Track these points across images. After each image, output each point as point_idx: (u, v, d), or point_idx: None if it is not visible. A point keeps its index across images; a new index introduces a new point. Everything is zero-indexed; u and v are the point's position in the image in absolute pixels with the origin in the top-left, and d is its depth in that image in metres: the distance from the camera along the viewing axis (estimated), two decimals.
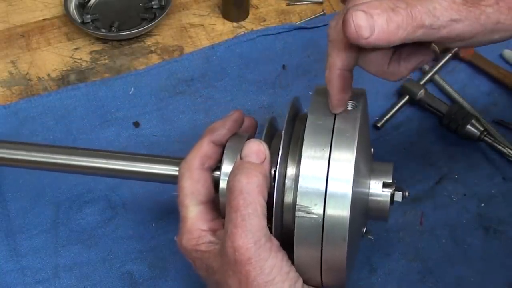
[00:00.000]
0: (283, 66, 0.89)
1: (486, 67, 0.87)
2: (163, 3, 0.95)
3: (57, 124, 0.83)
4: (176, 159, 0.63)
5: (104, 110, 0.84)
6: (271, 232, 0.55)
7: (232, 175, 0.54)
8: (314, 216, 0.53)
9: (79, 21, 0.93)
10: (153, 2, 0.95)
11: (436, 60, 0.88)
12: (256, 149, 0.55)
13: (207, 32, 0.93)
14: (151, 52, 0.91)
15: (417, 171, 0.78)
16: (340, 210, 0.53)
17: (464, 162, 0.79)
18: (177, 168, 0.61)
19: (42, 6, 0.96)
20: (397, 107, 0.83)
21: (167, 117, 0.84)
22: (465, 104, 0.84)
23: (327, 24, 0.92)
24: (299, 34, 0.92)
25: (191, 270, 0.71)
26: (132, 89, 0.86)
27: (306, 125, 0.55)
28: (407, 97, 0.83)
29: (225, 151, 0.61)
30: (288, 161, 0.56)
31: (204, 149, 0.60)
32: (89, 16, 0.93)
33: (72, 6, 0.94)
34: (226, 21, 0.95)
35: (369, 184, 0.59)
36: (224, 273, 0.54)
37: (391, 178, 0.60)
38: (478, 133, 0.79)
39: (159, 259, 0.73)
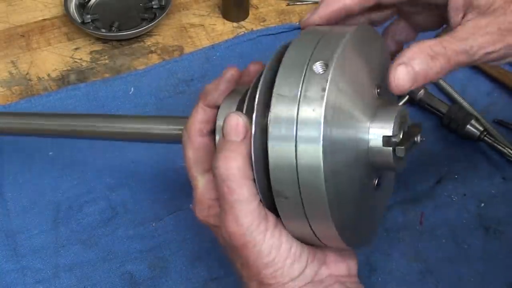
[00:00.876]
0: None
1: (486, 67, 0.87)
2: (163, 3, 0.95)
3: None
4: (181, 118, 0.62)
5: (104, 110, 0.84)
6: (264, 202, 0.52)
7: (214, 160, 0.52)
8: (291, 198, 0.50)
9: (79, 21, 0.93)
10: (153, 2, 0.95)
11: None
12: (234, 124, 0.52)
13: (207, 32, 0.93)
14: (151, 52, 0.91)
15: (417, 171, 0.78)
16: (315, 186, 0.48)
17: (464, 162, 0.79)
18: (181, 127, 0.60)
19: (42, 6, 0.96)
20: None
21: None
22: (465, 104, 0.84)
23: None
24: (299, 34, 0.92)
25: (191, 270, 0.72)
26: (132, 89, 0.86)
27: (273, 91, 0.50)
28: (407, 97, 0.83)
29: (218, 112, 0.58)
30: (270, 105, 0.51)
31: (200, 114, 0.58)
32: (89, 16, 0.93)
33: (72, 6, 0.94)
34: (226, 21, 0.95)
35: (368, 127, 0.53)
36: (230, 253, 0.54)
37: (391, 128, 0.53)
38: (478, 133, 0.79)
39: (159, 259, 0.73)
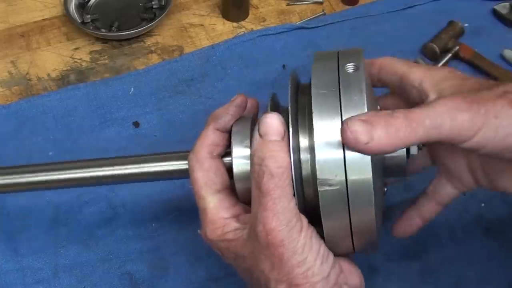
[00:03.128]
0: (283, 66, 0.89)
1: (486, 67, 0.87)
2: (163, 3, 0.95)
3: (57, 124, 0.83)
4: (183, 152, 0.63)
5: (104, 110, 0.84)
6: None
7: (258, 158, 0.53)
8: (336, 187, 0.52)
9: (79, 21, 0.93)
10: (153, 2, 0.95)
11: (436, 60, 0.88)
12: (276, 124, 0.53)
13: (207, 32, 0.93)
14: (151, 52, 0.91)
15: None
16: (362, 174, 0.51)
17: None
18: (186, 162, 0.61)
19: (42, 6, 0.96)
20: None
21: (167, 117, 0.84)
22: None
23: (327, 24, 0.93)
24: (299, 34, 0.92)
25: (191, 270, 0.72)
26: (132, 89, 0.86)
27: (312, 95, 0.53)
28: None
29: (232, 136, 0.59)
30: (300, 133, 0.55)
31: (210, 137, 0.59)
32: (89, 16, 0.93)
33: (72, 6, 0.94)
34: (226, 21, 0.95)
35: None
36: (255, 258, 0.54)
37: None
38: None
39: (159, 259, 0.73)
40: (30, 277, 0.71)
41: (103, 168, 0.65)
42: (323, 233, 0.54)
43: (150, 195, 0.77)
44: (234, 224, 0.57)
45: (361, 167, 0.51)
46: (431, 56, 0.89)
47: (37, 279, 0.71)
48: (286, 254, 0.52)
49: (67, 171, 0.65)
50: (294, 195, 0.53)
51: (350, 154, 0.51)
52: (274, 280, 0.53)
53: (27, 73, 0.89)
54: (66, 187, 0.67)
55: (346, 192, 0.52)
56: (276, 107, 0.60)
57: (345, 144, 0.51)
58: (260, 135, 0.54)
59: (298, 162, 0.54)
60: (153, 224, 0.75)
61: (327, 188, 0.52)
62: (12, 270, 0.72)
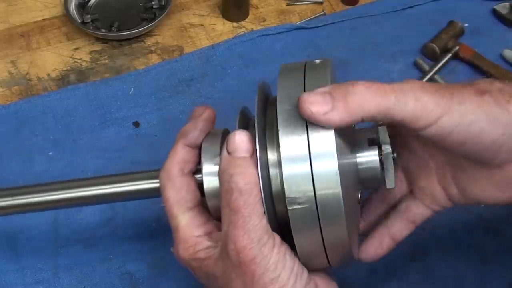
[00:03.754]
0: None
1: (486, 67, 0.87)
2: (163, 3, 0.95)
3: (57, 124, 0.83)
4: (154, 171, 0.62)
5: (104, 110, 0.84)
6: None
7: (226, 175, 0.53)
8: (306, 205, 0.51)
9: (79, 21, 0.93)
10: (153, 2, 0.95)
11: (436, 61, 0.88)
12: (242, 140, 0.53)
13: (207, 32, 0.93)
14: (151, 52, 0.91)
15: None
16: (331, 188, 0.51)
17: None
18: (157, 180, 0.60)
19: (42, 6, 0.96)
20: None
21: (167, 117, 0.84)
22: None
23: (327, 24, 0.93)
24: (299, 34, 0.92)
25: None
26: (132, 89, 0.86)
27: (277, 110, 0.53)
28: None
29: (202, 153, 0.59)
30: (268, 149, 0.54)
31: (180, 154, 0.58)
32: (89, 16, 0.93)
33: (72, 6, 0.94)
34: (226, 21, 0.95)
35: (356, 152, 0.57)
36: (227, 278, 0.53)
37: (376, 143, 0.57)
38: None
39: (159, 259, 0.73)
40: (30, 277, 0.71)
41: (71, 190, 0.63)
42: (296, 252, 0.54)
43: None
44: (205, 243, 0.56)
45: (329, 180, 0.51)
46: (431, 56, 0.89)
47: (37, 279, 0.71)
48: (258, 272, 0.51)
49: (27, 196, 0.64)
50: (264, 212, 0.53)
51: (317, 168, 0.51)
52: None
53: (27, 73, 0.89)
54: (27, 211, 0.65)
55: (316, 209, 0.51)
56: (245, 121, 0.59)
57: (306, 118, 0.50)
58: (228, 152, 0.53)
59: (267, 178, 0.54)
60: (153, 224, 0.75)
61: (297, 206, 0.52)
62: (12, 270, 0.72)
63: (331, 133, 0.51)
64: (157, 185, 0.60)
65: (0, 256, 0.72)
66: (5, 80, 0.88)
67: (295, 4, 0.97)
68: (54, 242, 0.74)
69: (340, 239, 0.53)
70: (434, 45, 0.88)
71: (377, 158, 0.56)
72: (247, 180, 0.52)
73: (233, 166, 0.53)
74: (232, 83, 0.87)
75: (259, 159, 0.53)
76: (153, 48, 0.92)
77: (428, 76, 0.86)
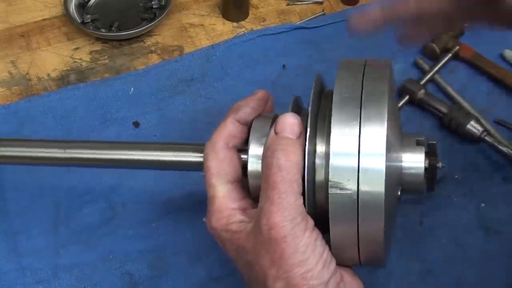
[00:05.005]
0: (283, 66, 0.89)
1: (486, 67, 0.87)
2: (163, 3, 0.95)
3: (57, 124, 0.83)
4: (200, 145, 0.62)
5: (104, 110, 0.84)
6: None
7: (269, 151, 0.54)
8: (348, 191, 0.51)
9: (79, 21, 0.93)
10: (153, 2, 0.95)
11: (436, 60, 0.88)
12: (291, 123, 0.54)
13: (207, 32, 0.93)
14: (151, 52, 0.91)
15: None
16: (375, 186, 0.51)
17: (464, 162, 0.79)
18: (200, 154, 0.61)
19: (42, 6, 0.96)
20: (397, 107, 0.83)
21: (167, 117, 0.84)
22: (465, 104, 0.84)
23: (327, 24, 0.93)
24: (299, 34, 0.92)
25: (191, 270, 0.72)
26: (132, 89, 0.86)
27: (333, 100, 0.53)
28: (407, 97, 0.83)
29: (251, 133, 0.59)
30: (317, 138, 0.55)
31: (228, 128, 0.59)
32: (89, 16, 0.93)
33: (72, 6, 0.94)
34: (226, 21, 0.95)
35: (401, 156, 0.58)
36: (256, 252, 0.53)
37: (423, 150, 0.58)
38: (478, 133, 0.79)
39: (159, 259, 0.73)
40: (30, 277, 0.71)
41: (118, 151, 0.65)
42: (330, 241, 0.54)
43: (150, 195, 0.77)
44: (239, 216, 0.56)
45: (375, 179, 0.51)
46: (431, 56, 0.89)
47: (37, 279, 0.71)
48: (287, 251, 0.51)
49: (83, 150, 0.65)
50: (304, 194, 0.53)
51: (365, 164, 0.51)
52: (272, 277, 0.52)
53: (27, 73, 0.89)
54: (77, 165, 0.68)
55: (357, 200, 0.52)
56: (297, 109, 0.59)
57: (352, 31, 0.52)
58: (275, 132, 0.54)
59: (312, 166, 0.54)
60: (153, 224, 0.75)
61: (338, 191, 0.52)
62: (12, 270, 0.72)
63: (383, 130, 0.52)
64: (201, 159, 0.60)
65: (0, 256, 0.72)
66: (5, 80, 0.88)
67: (295, 4, 0.97)
68: (54, 242, 0.74)
69: (375, 236, 0.53)
70: (434, 45, 0.88)
71: (422, 165, 0.57)
72: (288, 157, 0.53)
73: (277, 144, 0.54)
74: (232, 83, 0.87)
75: (308, 146, 0.53)
76: (153, 48, 0.91)
77: (428, 76, 0.86)
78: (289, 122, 0.55)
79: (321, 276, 0.52)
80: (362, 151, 0.52)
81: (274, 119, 0.60)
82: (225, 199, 0.57)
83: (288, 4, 0.97)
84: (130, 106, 0.85)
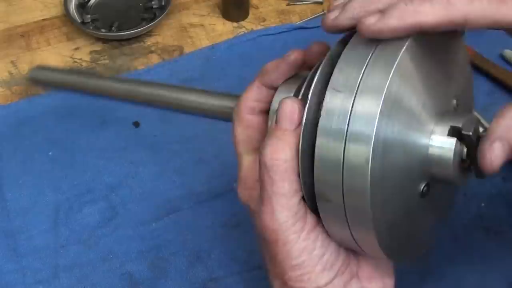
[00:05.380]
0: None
1: (486, 67, 0.87)
2: (163, 3, 0.95)
3: (57, 124, 0.83)
4: (236, 96, 0.59)
5: (104, 110, 0.84)
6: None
7: (262, 146, 0.48)
8: (333, 201, 0.46)
9: (79, 21, 0.93)
10: (153, 2, 0.95)
11: None
12: (288, 110, 0.48)
13: (207, 32, 0.93)
14: (151, 52, 0.91)
15: None
16: (358, 181, 0.44)
17: None
18: (231, 106, 0.57)
19: (42, 6, 0.96)
20: None
21: (167, 117, 0.84)
22: None
23: None
24: (299, 34, 0.92)
25: (191, 270, 0.72)
26: None
27: (343, 52, 0.47)
28: None
29: (274, 97, 0.54)
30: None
31: (253, 92, 0.54)
32: (89, 16, 0.93)
33: (72, 6, 0.94)
34: (226, 21, 0.95)
35: (431, 131, 0.48)
36: (261, 243, 0.51)
37: (458, 134, 0.48)
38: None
39: (159, 259, 0.73)
40: (30, 277, 0.71)
41: (153, 88, 0.65)
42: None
43: (150, 195, 0.77)
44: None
45: (359, 183, 0.44)
46: None
47: (37, 279, 0.71)
48: (280, 255, 0.49)
49: (110, 82, 0.68)
50: (301, 190, 0.48)
51: (349, 153, 0.44)
52: (272, 273, 0.51)
53: (27, 73, 0.89)
54: (112, 97, 0.69)
55: (344, 208, 0.46)
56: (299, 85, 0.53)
57: (484, 168, 0.45)
58: (276, 120, 0.49)
59: (309, 152, 0.47)
60: (153, 224, 0.75)
61: (325, 202, 0.47)
62: (12, 270, 0.72)
63: (377, 106, 0.43)
64: (229, 110, 0.57)
65: (0, 256, 0.72)
66: (5, 80, 0.88)
67: (295, 4, 0.97)
68: (54, 242, 0.74)
69: (369, 240, 0.48)
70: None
71: (451, 151, 0.48)
72: (275, 155, 0.48)
73: (270, 136, 0.49)
74: (232, 83, 0.87)
75: (302, 132, 0.47)
76: (153, 48, 0.92)
77: None
78: (287, 110, 0.48)
79: (320, 278, 0.49)
80: (350, 132, 0.44)
81: (304, 80, 0.51)
82: (249, 170, 0.53)
83: (288, 4, 0.97)
84: (130, 106, 0.85)
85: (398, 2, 0.46)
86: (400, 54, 0.45)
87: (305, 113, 0.48)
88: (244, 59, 0.90)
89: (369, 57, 0.45)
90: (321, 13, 0.95)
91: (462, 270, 0.71)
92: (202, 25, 0.94)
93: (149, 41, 0.92)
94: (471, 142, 0.48)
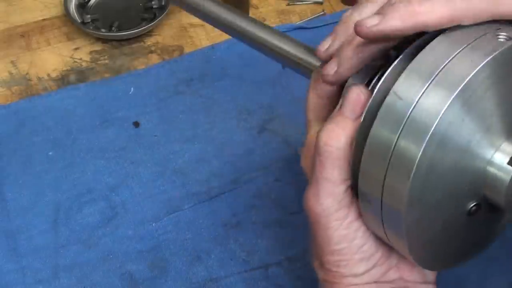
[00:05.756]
0: (283, 66, 0.89)
1: None
2: (163, 3, 0.95)
3: (57, 124, 0.83)
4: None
5: (104, 110, 0.84)
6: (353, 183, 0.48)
7: (321, 127, 0.48)
8: (373, 205, 0.45)
9: (79, 21, 0.93)
10: (153, 2, 0.95)
11: None
12: (353, 99, 0.47)
13: (207, 32, 0.93)
14: (151, 52, 0.91)
15: None
16: (395, 203, 0.44)
17: None
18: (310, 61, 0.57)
19: (42, 6, 0.96)
20: None
21: (167, 117, 0.84)
22: None
23: (327, 24, 0.93)
24: (299, 34, 0.92)
25: (191, 270, 0.72)
26: (132, 89, 0.86)
27: (418, 54, 0.44)
28: None
29: (353, 75, 0.50)
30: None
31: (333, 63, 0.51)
32: (89, 16, 0.93)
33: (72, 6, 0.94)
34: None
35: (496, 147, 0.45)
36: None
37: None
38: None
39: (159, 259, 0.73)
40: (30, 277, 0.71)
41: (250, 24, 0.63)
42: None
43: (150, 195, 0.77)
44: None
45: (395, 194, 0.44)
46: None
47: (37, 279, 0.71)
48: (319, 238, 0.49)
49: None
50: (349, 180, 0.48)
51: (391, 177, 0.44)
52: (313, 251, 0.51)
53: (27, 73, 0.89)
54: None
55: (381, 212, 0.46)
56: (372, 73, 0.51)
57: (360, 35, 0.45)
58: (341, 104, 0.49)
59: (361, 144, 0.47)
60: (153, 224, 0.75)
61: (365, 202, 0.47)
62: (12, 270, 0.72)
63: (444, 104, 0.41)
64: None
65: (0, 256, 0.72)
66: (5, 80, 0.88)
67: (295, 4, 0.97)
68: (54, 242, 0.74)
69: (401, 249, 0.48)
70: None
71: (507, 180, 0.45)
72: (330, 141, 0.47)
73: (330, 121, 0.48)
74: (232, 83, 0.87)
75: (360, 124, 0.47)
76: (153, 48, 0.91)
77: None
78: (352, 98, 0.47)
79: (358, 267, 0.50)
80: (395, 152, 0.43)
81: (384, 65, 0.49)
82: (313, 138, 0.51)
83: (288, 4, 0.97)
84: (130, 106, 0.85)
85: (396, 2, 0.46)
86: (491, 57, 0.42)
87: (367, 106, 0.47)
88: (244, 59, 0.90)
89: (441, 67, 0.43)
90: (321, 13, 0.95)
91: (463, 270, 0.71)
92: (202, 25, 0.94)
93: (149, 41, 0.92)
94: None
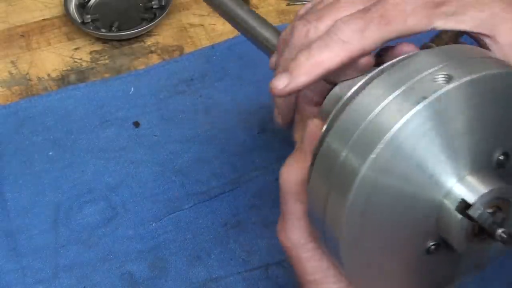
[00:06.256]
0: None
1: None
2: (163, 3, 0.95)
3: (57, 124, 0.83)
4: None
5: (104, 110, 0.84)
6: None
7: (284, 164, 0.49)
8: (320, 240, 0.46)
9: (79, 21, 0.93)
10: (153, 2, 0.95)
11: None
12: (311, 133, 0.47)
13: (207, 32, 0.93)
14: (151, 52, 0.91)
15: None
16: (334, 235, 0.42)
17: None
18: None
19: (42, 6, 0.96)
20: None
21: (167, 117, 0.84)
22: None
23: None
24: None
25: (191, 270, 0.72)
26: (132, 89, 0.87)
27: (374, 81, 0.43)
28: None
29: (327, 95, 0.51)
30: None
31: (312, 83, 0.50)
32: (89, 16, 0.93)
33: (72, 6, 0.94)
34: (226, 21, 0.95)
35: (448, 191, 0.42)
36: None
37: (476, 197, 0.41)
38: None
39: (159, 259, 0.73)
40: (30, 277, 0.71)
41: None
42: None
43: (150, 195, 0.77)
44: None
45: (334, 224, 0.42)
46: None
47: (37, 279, 0.71)
48: (295, 270, 0.50)
49: None
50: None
51: (331, 206, 0.42)
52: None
53: (27, 73, 0.89)
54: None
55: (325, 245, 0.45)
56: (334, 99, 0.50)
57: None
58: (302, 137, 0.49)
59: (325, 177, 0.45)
60: (153, 224, 0.75)
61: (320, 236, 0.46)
62: (12, 270, 0.72)
63: (375, 144, 0.39)
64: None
65: (0, 256, 0.72)
66: (5, 80, 0.88)
67: (295, 4, 0.97)
68: (54, 242, 0.74)
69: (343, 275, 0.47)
70: (434, 45, 0.88)
71: (457, 226, 0.42)
72: (288, 177, 0.48)
73: (291, 155, 0.49)
74: (232, 83, 0.87)
75: (315, 161, 0.45)
76: (153, 48, 0.92)
77: None
78: (311, 132, 0.47)
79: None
80: (332, 181, 0.42)
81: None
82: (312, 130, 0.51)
83: (288, 4, 0.97)
84: (130, 106, 0.85)
85: (298, 56, 0.48)
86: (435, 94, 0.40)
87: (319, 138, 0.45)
88: (244, 59, 0.90)
89: (393, 95, 0.41)
90: None
91: None
92: (202, 25, 0.94)
93: (149, 41, 0.92)
94: (483, 223, 0.41)
